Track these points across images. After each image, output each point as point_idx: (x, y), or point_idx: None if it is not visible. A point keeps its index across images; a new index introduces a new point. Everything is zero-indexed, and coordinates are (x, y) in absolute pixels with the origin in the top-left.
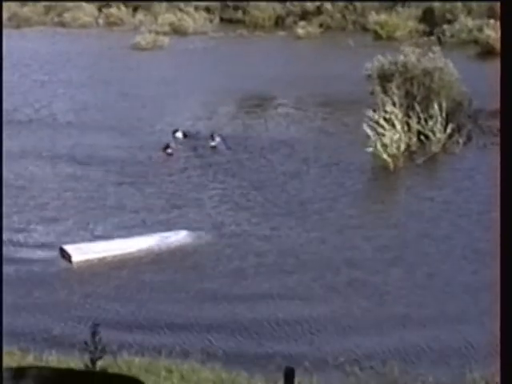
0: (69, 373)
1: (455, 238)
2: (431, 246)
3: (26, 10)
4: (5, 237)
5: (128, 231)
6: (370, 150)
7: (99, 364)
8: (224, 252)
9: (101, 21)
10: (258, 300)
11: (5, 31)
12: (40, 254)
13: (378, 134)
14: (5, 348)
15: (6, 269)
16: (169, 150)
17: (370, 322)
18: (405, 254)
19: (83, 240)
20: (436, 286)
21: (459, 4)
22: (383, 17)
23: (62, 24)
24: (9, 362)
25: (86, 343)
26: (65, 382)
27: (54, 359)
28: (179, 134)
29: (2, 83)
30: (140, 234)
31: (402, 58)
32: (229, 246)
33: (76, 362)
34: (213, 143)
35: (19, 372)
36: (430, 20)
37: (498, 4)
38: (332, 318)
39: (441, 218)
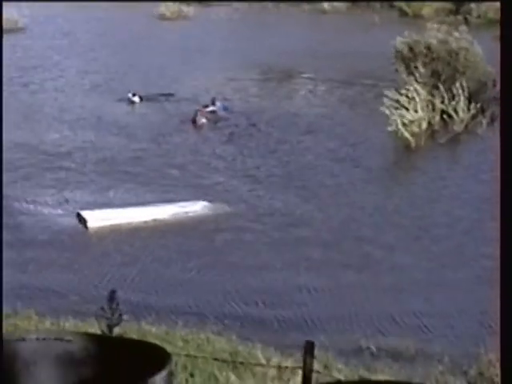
0: (87, 337)
1: (472, 219)
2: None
3: None
4: None
5: None
6: (393, 128)
7: (116, 331)
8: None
9: None
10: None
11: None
12: None
13: (400, 112)
14: (22, 312)
15: None
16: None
17: None
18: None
19: None
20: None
21: None
22: None
23: None
24: (26, 326)
25: (102, 309)
26: (83, 347)
27: (70, 325)
28: None
29: (2, 83)
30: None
31: (427, 36)
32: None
33: (95, 328)
34: (213, 108)
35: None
36: None
37: None
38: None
39: (459, 199)
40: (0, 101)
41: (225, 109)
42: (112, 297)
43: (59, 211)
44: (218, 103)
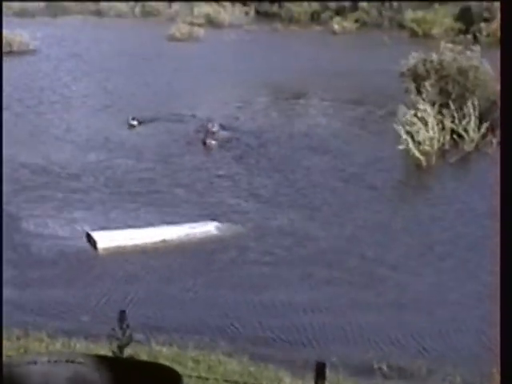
0: (99, 359)
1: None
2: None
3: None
4: None
5: None
6: (403, 147)
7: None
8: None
9: (137, 10)
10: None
11: (42, 19)
12: None
13: (411, 131)
14: (33, 334)
15: None
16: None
17: None
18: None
19: None
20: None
21: (497, 3)
22: (420, 14)
23: (99, 13)
24: (37, 348)
25: (113, 329)
26: (95, 369)
27: (81, 346)
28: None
29: (2, 83)
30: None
31: (437, 55)
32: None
33: (105, 350)
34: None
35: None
36: (466, 18)
37: None
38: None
39: (467, 219)
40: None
41: (223, 128)
42: (122, 317)
43: (68, 232)
44: (214, 124)
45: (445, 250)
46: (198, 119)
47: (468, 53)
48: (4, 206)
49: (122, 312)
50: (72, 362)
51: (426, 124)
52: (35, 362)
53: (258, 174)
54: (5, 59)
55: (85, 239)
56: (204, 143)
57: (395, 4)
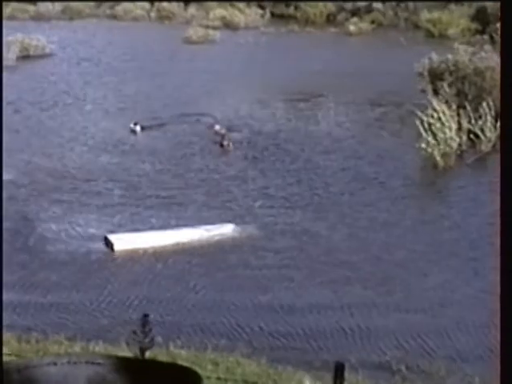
0: (119, 360)
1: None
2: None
3: (79, 2)
4: None
5: None
6: (420, 148)
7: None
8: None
9: (153, 14)
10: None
11: (58, 23)
12: None
13: (428, 132)
14: (51, 336)
15: None
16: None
17: None
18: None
19: None
20: None
21: None
22: (436, 14)
23: (114, 17)
24: (56, 350)
25: (134, 332)
26: (115, 370)
27: (100, 349)
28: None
29: (2, 83)
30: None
31: (453, 56)
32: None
33: (124, 353)
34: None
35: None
36: (482, 19)
37: None
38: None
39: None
40: (0, 112)
41: (230, 130)
42: (145, 320)
43: (85, 234)
44: (222, 126)
45: (473, 255)
46: (215, 121)
47: (482, 53)
48: (20, 208)
49: (145, 315)
50: (92, 363)
51: (443, 124)
52: (55, 363)
53: (273, 176)
54: (21, 63)
55: (102, 241)
56: (221, 145)
57: (411, 5)
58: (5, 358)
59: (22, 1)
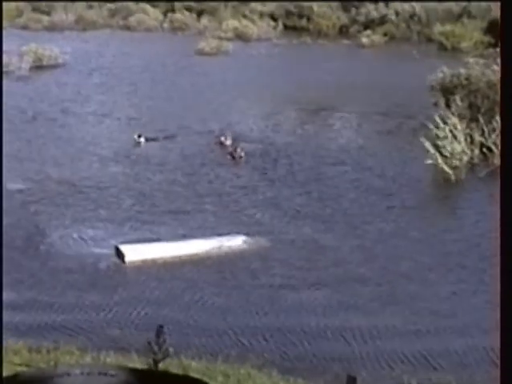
0: (131, 372)
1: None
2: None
3: (92, 13)
4: None
5: None
6: (432, 161)
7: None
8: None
9: (166, 25)
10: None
11: (71, 33)
12: None
13: (440, 145)
14: (63, 346)
15: None
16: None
17: None
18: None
19: None
20: None
21: None
22: (448, 27)
23: (127, 27)
24: (68, 360)
25: (149, 343)
26: (127, 381)
27: (111, 360)
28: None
29: (2, 84)
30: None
31: (466, 69)
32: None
33: (135, 363)
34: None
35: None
36: (495, 31)
37: None
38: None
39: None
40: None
41: (241, 141)
42: (159, 332)
43: (97, 245)
44: (227, 137)
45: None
46: (226, 132)
47: (495, 66)
48: (32, 218)
49: (160, 327)
50: (105, 374)
51: (455, 138)
52: (68, 374)
53: (283, 187)
54: (34, 73)
55: (113, 252)
56: (232, 156)
57: (424, 17)
58: (15, 368)
59: (22, 1)
